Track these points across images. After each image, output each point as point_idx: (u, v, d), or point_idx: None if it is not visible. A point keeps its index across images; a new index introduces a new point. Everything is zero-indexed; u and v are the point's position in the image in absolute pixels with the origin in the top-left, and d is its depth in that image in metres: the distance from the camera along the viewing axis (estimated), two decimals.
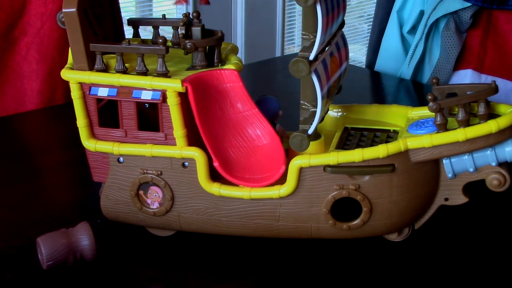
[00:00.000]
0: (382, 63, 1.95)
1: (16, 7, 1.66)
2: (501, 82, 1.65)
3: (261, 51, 3.22)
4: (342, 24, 1.08)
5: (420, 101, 1.70)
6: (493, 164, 0.97)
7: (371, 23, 2.11)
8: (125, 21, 1.13)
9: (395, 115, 1.08)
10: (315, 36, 0.93)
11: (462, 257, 1.03)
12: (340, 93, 1.10)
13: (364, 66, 2.15)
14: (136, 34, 1.14)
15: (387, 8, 1.96)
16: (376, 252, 1.03)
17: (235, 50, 1.09)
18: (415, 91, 1.81)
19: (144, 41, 1.13)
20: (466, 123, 0.95)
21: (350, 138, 1.06)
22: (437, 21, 1.78)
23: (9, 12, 1.65)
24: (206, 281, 0.98)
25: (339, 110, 1.11)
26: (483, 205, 1.14)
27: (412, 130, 1.00)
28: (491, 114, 0.96)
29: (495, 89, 0.95)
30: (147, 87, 0.98)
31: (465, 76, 1.80)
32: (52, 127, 1.61)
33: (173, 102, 0.97)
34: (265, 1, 3.31)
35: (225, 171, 0.98)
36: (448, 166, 0.98)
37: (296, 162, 0.96)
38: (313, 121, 0.96)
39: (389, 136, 1.05)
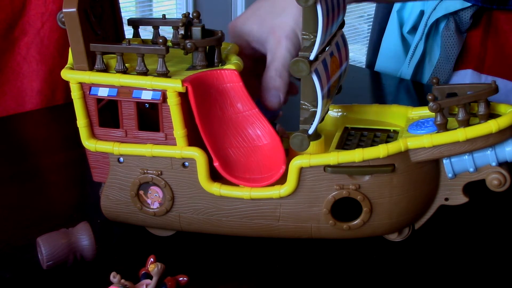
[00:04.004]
0: (382, 63, 1.95)
1: (16, 7, 1.66)
2: (501, 82, 1.64)
3: None
4: (342, 24, 1.08)
5: (420, 101, 1.70)
6: (493, 164, 0.97)
7: (371, 23, 2.11)
8: (125, 21, 1.13)
9: (395, 115, 1.08)
10: (316, 36, 0.93)
11: (462, 257, 1.03)
12: (340, 93, 1.10)
13: (364, 66, 2.15)
14: (136, 34, 1.14)
15: (387, 8, 1.95)
16: (376, 252, 1.03)
17: (235, 50, 1.09)
18: (415, 91, 1.81)
19: (144, 41, 1.13)
20: (466, 123, 0.95)
21: (350, 138, 1.06)
22: (437, 21, 1.78)
23: (9, 12, 1.65)
24: (206, 281, 0.98)
25: (339, 110, 1.11)
26: (483, 205, 1.14)
27: (412, 130, 1.00)
28: (491, 114, 0.96)
29: (495, 89, 0.95)
30: (147, 87, 0.98)
31: (465, 76, 1.80)
32: (52, 127, 1.61)
33: (173, 102, 0.97)
34: None
35: (225, 171, 0.98)
36: (448, 166, 0.98)
37: (296, 162, 0.96)
38: (313, 121, 0.96)
39: (389, 136, 1.05)
